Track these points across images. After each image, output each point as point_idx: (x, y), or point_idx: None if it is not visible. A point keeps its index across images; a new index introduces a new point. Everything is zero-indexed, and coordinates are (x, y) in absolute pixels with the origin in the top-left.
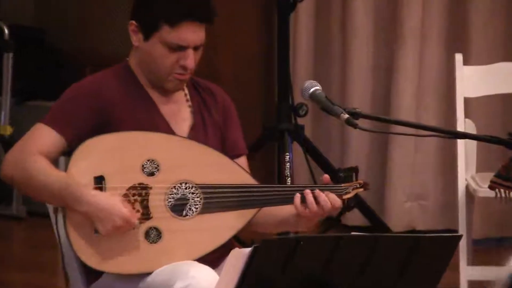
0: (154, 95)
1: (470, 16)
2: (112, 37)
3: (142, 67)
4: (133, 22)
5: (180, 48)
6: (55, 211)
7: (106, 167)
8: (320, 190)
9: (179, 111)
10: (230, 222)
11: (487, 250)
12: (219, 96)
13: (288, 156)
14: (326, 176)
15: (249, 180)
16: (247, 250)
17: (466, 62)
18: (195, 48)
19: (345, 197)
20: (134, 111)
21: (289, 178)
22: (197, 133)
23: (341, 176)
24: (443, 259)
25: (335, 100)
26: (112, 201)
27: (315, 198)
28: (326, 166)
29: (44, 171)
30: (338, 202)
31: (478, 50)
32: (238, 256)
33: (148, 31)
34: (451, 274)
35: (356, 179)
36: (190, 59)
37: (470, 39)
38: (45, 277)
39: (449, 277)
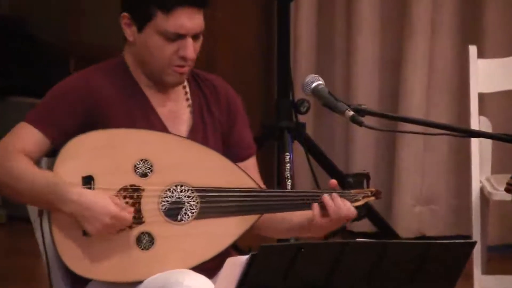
0: (151, 95)
1: (485, 5)
2: (98, 27)
3: (139, 63)
4: (125, 14)
5: (178, 37)
6: (40, 213)
7: (95, 166)
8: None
9: (178, 112)
10: (228, 229)
11: (503, 258)
12: (221, 90)
13: (289, 156)
14: (334, 181)
15: (250, 184)
16: (244, 258)
17: (480, 55)
18: (194, 37)
19: (354, 204)
20: (128, 112)
21: (289, 180)
22: (195, 136)
23: (350, 181)
24: (456, 267)
25: (339, 96)
26: (100, 199)
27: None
28: (329, 167)
29: (27, 170)
30: (354, 214)
31: (494, 42)
32: (234, 265)
33: (141, 22)
34: (465, 284)
35: (368, 187)
36: (190, 49)
37: (485, 30)
38: (26, 286)
39: (462, 287)
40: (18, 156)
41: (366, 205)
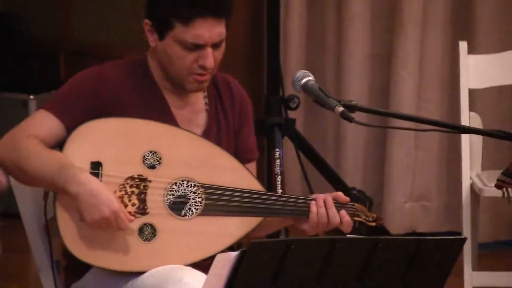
0: (170, 98)
1: (477, 1)
2: (89, 24)
3: (161, 67)
4: (147, 21)
5: (197, 47)
6: (45, 196)
7: (104, 153)
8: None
9: (195, 117)
10: (230, 229)
11: (494, 254)
12: (236, 92)
13: (279, 153)
14: (341, 194)
15: (257, 186)
16: (234, 254)
17: (471, 50)
18: (215, 46)
19: (355, 219)
20: (143, 110)
21: (279, 176)
22: (209, 139)
23: (354, 194)
24: (446, 264)
25: (329, 92)
26: (107, 191)
27: (326, 209)
28: (319, 163)
29: (37, 151)
30: (349, 227)
31: (485, 38)
32: (224, 261)
33: (162, 30)
34: (455, 280)
35: (369, 211)
36: (210, 59)
37: (476, 25)
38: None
39: (453, 283)
40: (29, 138)
41: (369, 228)
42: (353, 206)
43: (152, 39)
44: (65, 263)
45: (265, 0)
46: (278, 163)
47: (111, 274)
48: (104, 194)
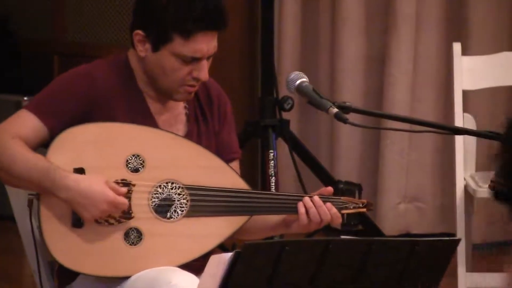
0: (151, 102)
1: (470, 2)
2: (82, 24)
3: (148, 76)
4: (139, 32)
5: (193, 60)
6: (30, 203)
7: (87, 159)
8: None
9: (174, 120)
10: (217, 229)
11: (488, 255)
12: (214, 94)
13: (272, 154)
14: (329, 188)
15: (242, 185)
16: (228, 255)
17: (465, 52)
18: (208, 57)
19: (342, 212)
20: (127, 112)
21: (273, 178)
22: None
23: (341, 188)
24: (440, 265)
25: (323, 93)
26: (96, 185)
27: (316, 208)
28: (313, 165)
29: (23, 155)
30: (339, 219)
31: (479, 39)
32: (218, 262)
33: (157, 42)
34: (449, 281)
35: (360, 198)
36: (205, 72)
37: (470, 27)
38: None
39: (447, 284)
40: (14, 139)
41: (362, 217)
42: (340, 200)
43: (142, 49)
44: (57, 266)
45: (259, 1)
46: (272, 164)
47: (100, 280)
48: (96, 190)
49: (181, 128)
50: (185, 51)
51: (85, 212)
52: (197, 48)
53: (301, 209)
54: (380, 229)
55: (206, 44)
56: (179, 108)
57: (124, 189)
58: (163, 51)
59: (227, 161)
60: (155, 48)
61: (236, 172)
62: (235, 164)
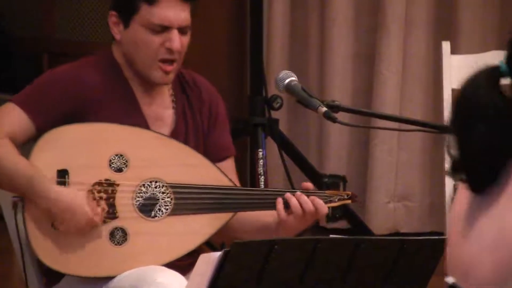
0: (139, 94)
1: (459, 2)
2: (72, 23)
3: (128, 61)
4: (113, 12)
5: (163, 29)
6: (14, 206)
7: (70, 160)
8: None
9: (162, 115)
10: (202, 226)
11: None
12: (205, 93)
13: (262, 153)
14: (309, 184)
15: (226, 182)
16: (217, 254)
17: (454, 50)
18: (181, 31)
19: (329, 205)
20: (114, 108)
21: (262, 177)
22: (177, 139)
23: (325, 181)
24: (429, 264)
25: (312, 92)
26: (75, 200)
27: (298, 201)
28: (302, 164)
29: (8, 160)
30: (324, 208)
31: (468, 38)
32: (207, 261)
33: (127, 16)
34: (438, 280)
35: (344, 190)
36: (176, 41)
37: (459, 26)
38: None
39: (436, 283)
40: (2, 140)
41: (345, 208)
42: (324, 194)
43: (117, 31)
44: (45, 266)
45: (248, 1)
46: (261, 163)
47: (85, 280)
48: (77, 206)
49: (169, 122)
50: (152, 19)
51: (62, 225)
52: (163, 15)
53: (279, 205)
54: (369, 228)
55: (172, 11)
56: (166, 101)
57: (100, 210)
58: (133, 25)
59: (222, 159)
60: (126, 23)
61: (221, 171)
62: (230, 162)
